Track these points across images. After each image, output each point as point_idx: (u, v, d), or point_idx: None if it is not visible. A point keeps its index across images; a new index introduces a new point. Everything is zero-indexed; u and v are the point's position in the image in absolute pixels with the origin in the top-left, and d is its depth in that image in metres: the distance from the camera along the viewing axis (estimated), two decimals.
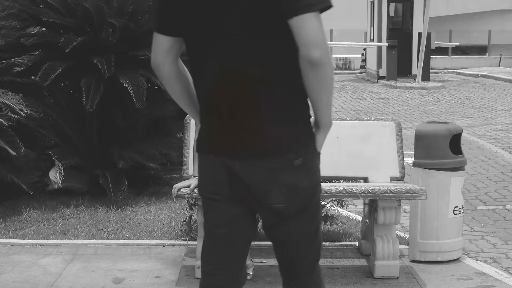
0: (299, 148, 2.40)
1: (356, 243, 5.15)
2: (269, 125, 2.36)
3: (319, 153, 2.49)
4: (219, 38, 2.37)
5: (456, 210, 4.74)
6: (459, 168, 4.75)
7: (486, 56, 26.74)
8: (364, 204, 4.95)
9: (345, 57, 25.32)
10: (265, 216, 2.51)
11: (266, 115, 2.36)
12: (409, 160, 5.40)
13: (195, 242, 4.83)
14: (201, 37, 2.40)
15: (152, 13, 2.41)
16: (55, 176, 6.13)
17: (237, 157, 2.38)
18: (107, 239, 5.28)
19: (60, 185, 6.13)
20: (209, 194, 2.48)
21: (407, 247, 4.92)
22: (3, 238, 5.28)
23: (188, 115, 4.80)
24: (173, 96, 2.59)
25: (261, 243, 4.88)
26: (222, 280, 2.54)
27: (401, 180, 4.77)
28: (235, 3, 2.33)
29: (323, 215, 5.09)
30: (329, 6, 2.28)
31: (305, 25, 2.24)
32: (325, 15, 2.36)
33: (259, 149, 2.37)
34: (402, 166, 4.76)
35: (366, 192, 4.28)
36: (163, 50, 2.46)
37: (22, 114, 5.74)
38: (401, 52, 19.46)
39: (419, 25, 19.43)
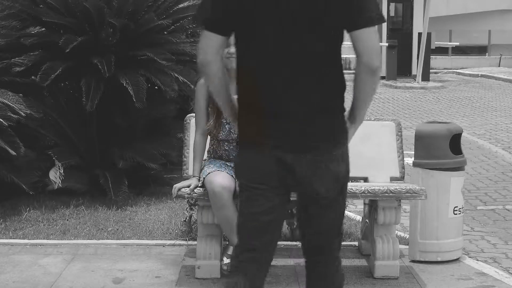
0: (339, 140, 2.67)
1: (356, 243, 5.15)
2: (318, 122, 2.60)
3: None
4: (271, 37, 2.53)
5: (456, 210, 4.74)
6: (459, 168, 4.75)
7: (486, 56, 26.69)
8: (364, 204, 4.95)
9: (345, 57, 24.97)
10: (307, 202, 2.72)
11: (315, 112, 2.59)
12: (409, 160, 5.39)
13: (195, 242, 4.83)
14: (253, 35, 2.56)
15: (201, 12, 2.56)
16: (55, 176, 6.13)
17: (289, 151, 2.59)
18: (107, 239, 5.28)
19: (60, 185, 6.12)
20: (255, 184, 2.67)
21: (407, 247, 4.92)
22: (3, 238, 5.28)
23: (188, 115, 4.81)
24: (214, 93, 2.73)
25: None
26: (262, 256, 2.80)
27: (401, 180, 4.77)
28: (293, 7, 2.50)
29: None
30: (384, 21, 2.58)
31: (368, 37, 2.54)
32: None
33: (311, 143, 2.60)
34: (402, 166, 4.76)
35: (366, 192, 4.29)
36: (215, 49, 2.59)
37: (22, 114, 5.74)
38: (401, 52, 19.44)
39: (419, 25, 19.41)
